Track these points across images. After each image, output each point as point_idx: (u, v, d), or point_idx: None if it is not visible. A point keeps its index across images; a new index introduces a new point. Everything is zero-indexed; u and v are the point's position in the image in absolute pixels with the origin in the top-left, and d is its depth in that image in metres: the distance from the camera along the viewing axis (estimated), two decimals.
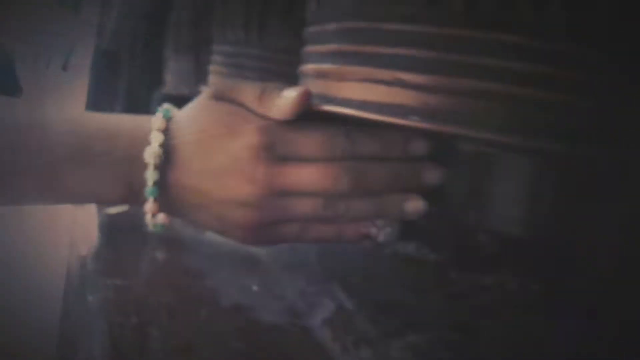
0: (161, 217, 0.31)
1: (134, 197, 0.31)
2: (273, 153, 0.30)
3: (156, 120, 0.31)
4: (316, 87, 0.31)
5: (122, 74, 1.01)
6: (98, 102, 1.08)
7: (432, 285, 0.29)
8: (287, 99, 0.30)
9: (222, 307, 0.25)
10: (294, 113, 0.30)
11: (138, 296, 0.25)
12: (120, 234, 0.35)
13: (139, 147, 0.30)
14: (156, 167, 0.30)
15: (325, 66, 0.31)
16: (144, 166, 0.30)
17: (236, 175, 0.30)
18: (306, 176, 0.30)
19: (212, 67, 0.58)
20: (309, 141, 0.30)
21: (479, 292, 0.29)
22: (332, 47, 0.31)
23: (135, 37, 0.98)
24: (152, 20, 0.92)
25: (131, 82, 0.98)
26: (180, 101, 0.49)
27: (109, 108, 1.04)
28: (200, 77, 0.86)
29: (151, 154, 0.30)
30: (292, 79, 0.54)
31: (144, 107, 0.94)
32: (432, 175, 0.31)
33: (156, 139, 0.30)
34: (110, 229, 0.35)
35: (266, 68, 0.52)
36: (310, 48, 0.33)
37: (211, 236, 0.37)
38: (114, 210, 0.40)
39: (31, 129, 0.31)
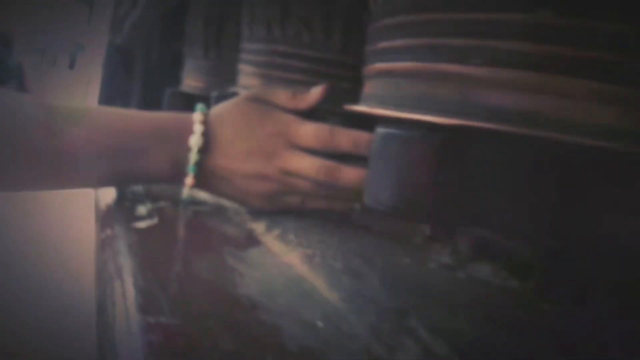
0: (192, 191, 0.41)
1: (178, 174, 0.40)
2: (285, 141, 0.40)
3: (197, 115, 0.41)
4: (387, 86, 0.27)
5: (136, 71, 0.97)
6: (111, 100, 1.04)
7: (526, 321, 0.25)
8: (313, 92, 0.42)
9: (289, 352, 0.21)
10: (318, 101, 0.42)
11: (190, 339, 0.21)
12: (153, 256, 0.31)
13: (185, 136, 0.40)
14: (199, 151, 0.40)
15: (397, 64, 0.27)
16: (188, 150, 0.40)
17: (260, 155, 0.40)
18: (301, 164, 0.40)
19: (242, 67, 0.54)
20: (305, 134, 0.40)
21: (580, 327, 0.25)
22: (404, 42, 0.27)
23: (152, 33, 0.94)
24: (169, 15, 0.88)
25: (146, 80, 0.94)
26: (196, 100, 0.46)
27: (123, 107, 1.00)
28: (219, 75, 0.82)
29: (195, 140, 0.40)
30: (329, 78, 0.50)
31: (159, 107, 0.90)
32: None
33: (199, 129, 0.40)
34: (142, 248, 0.31)
35: (305, 68, 0.48)
36: (377, 45, 0.29)
37: (253, 255, 0.33)
38: (143, 224, 0.36)
39: (97, 126, 0.39)
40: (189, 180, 0.40)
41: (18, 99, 0.39)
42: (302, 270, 0.31)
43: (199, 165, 0.40)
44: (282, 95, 0.42)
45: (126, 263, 0.28)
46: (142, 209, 0.40)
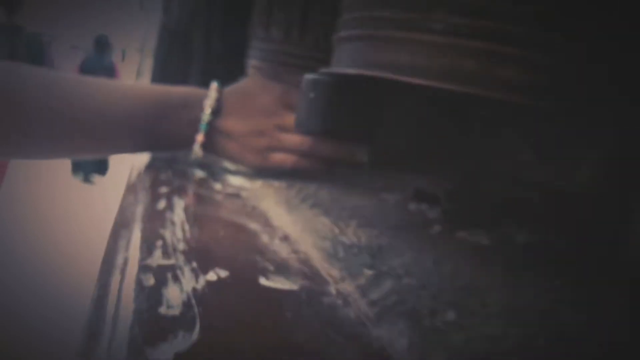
0: (200, 151, 0.49)
1: (193, 135, 0.48)
2: (285, 103, 0.49)
3: (214, 85, 0.49)
4: None
5: (194, 60, 0.81)
6: None
7: None
8: None
9: None
10: None
11: None
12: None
13: (201, 100, 0.48)
14: (212, 112, 0.48)
15: None
16: (202, 111, 0.48)
17: (260, 114, 0.49)
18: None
19: (340, 35, 0.35)
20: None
21: None
22: None
23: (212, 14, 0.78)
24: None
25: (206, 70, 0.77)
26: None
27: None
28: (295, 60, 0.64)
29: (210, 103, 0.48)
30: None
31: None
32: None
33: (213, 95, 0.49)
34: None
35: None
36: None
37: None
38: (170, 348, 0.18)
39: (126, 99, 0.47)
40: (200, 137, 0.47)
41: (42, 70, 0.46)
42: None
43: (210, 124, 0.47)
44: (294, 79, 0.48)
45: None
46: (174, 295, 0.22)
